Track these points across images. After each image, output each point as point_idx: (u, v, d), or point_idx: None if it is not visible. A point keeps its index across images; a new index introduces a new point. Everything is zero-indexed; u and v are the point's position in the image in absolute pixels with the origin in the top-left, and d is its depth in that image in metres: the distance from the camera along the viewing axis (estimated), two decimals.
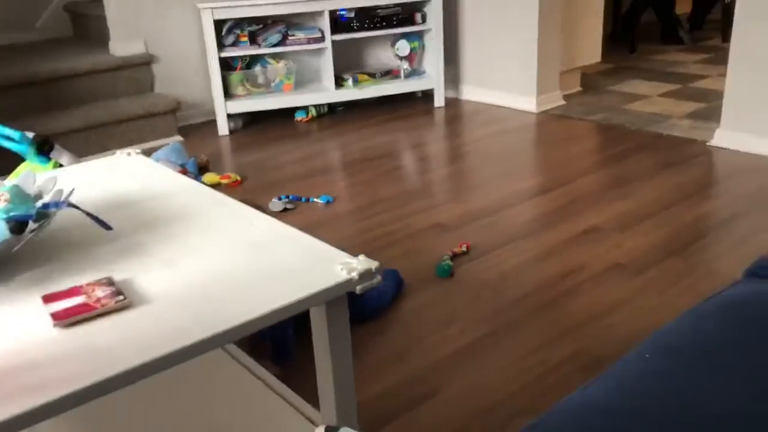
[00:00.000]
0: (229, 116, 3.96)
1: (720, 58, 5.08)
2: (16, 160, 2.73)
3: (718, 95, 3.95)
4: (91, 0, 4.56)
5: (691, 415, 0.91)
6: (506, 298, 2.11)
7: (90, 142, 3.63)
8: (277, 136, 3.90)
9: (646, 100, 4.15)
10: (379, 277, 1.15)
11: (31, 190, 1.27)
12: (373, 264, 1.14)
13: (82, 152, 3.56)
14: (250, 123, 4.15)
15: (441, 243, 2.48)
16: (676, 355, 1.04)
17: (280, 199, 2.92)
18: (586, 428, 0.92)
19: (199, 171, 3.26)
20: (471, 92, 4.39)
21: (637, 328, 1.91)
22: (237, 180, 3.19)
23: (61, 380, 0.89)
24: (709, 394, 0.95)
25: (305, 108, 4.19)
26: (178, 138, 3.91)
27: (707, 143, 3.32)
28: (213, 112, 4.08)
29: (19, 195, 1.18)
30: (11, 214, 1.10)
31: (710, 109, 3.86)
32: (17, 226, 1.12)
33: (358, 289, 1.12)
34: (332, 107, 4.34)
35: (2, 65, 3.83)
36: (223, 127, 3.96)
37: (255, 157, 3.55)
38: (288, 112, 4.25)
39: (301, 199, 2.94)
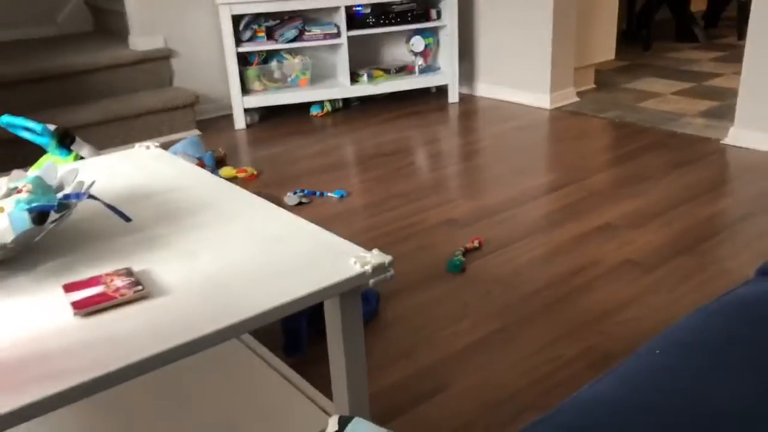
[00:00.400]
0: (246, 110, 4.00)
1: (735, 56, 5.06)
2: (38, 152, 2.78)
3: (733, 93, 3.94)
4: None
5: (700, 412, 0.93)
6: (517, 294, 2.12)
7: (109, 136, 3.68)
8: (292, 130, 3.93)
9: (659, 97, 4.14)
10: (392, 271, 1.17)
11: (53, 182, 1.30)
12: (386, 258, 1.16)
13: (101, 145, 3.61)
14: (266, 117, 4.19)
15: (453, 238, 2.50)
16: (686, 351, 1.06)
17: (295, 193, 2.95)
18: (594, 424, 0.94)
19: (216, 164, 3.29)
20: (485, 89, 4.40)
21: (648, 326, 1.92)
22: (253, 174, 3.22)
23: (79, 368, 0.92)
24: (719, 391, 0.96)
25: (320, 103, 4.22)
26: (196, 132, 3.95)
27: (721, 141, 3.32)
28: (230, 107, 4.12)
29: (41, 186, 1.21)
30: (33, 204, 1.13)
31: (724, 107, 3.85)
32: (39, 216, 1.15)
33: (371, 282, 1.14)
34: (347, 102, 4.36)
35: (24, 59, 3.88)
36: (239, 122, 3.99)
37: (271, 151, 3.58)
38: (303, 107, 4.28)
39: (315, 194, 2.96)
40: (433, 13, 4.15)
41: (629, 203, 2.71)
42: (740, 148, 3.23)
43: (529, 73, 4.10)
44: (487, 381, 1.73)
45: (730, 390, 0.96)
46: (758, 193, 2.73)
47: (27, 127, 2.34)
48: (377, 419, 1.60)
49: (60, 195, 1.22)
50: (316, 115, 4.19)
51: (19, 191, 1.17)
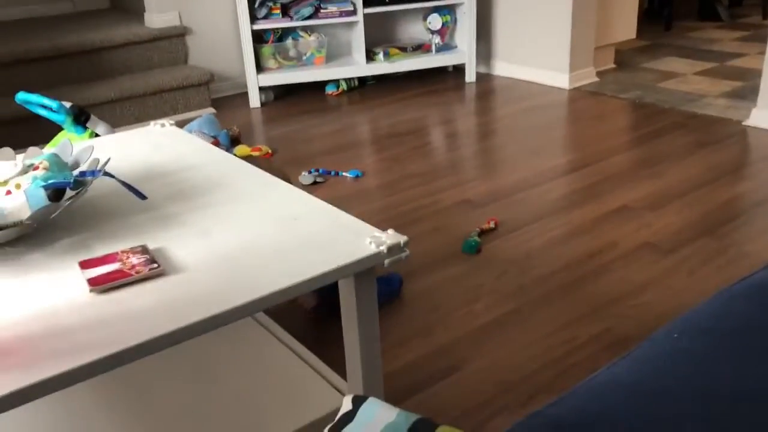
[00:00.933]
0: (261, 89, 3.98)
1: (759, 35, 4.96)
2: (54, 129, 2.79)
3: (756, 74, 3.87)
4: None
5: (718, 397, 0.91)
6: (533, 275, 2.11)
7: (125, 113, 3.68)
8: (307, 109, 3.91)
9: (681, 78, 4.08)
10: (407, 251, 1.16)
11: (69, 159, 1.30)
12: (402, 238, 1.15)
13: (116, 123, 3.62)
14: (281, 96, 4.17)
15: (469, 219, 2.48)
16: (705, 336, 1.04)
17: (310, 172, 2.94)
18: (610, 407, 0.93)
19: (230, 143, 3.28)
20: (503, 68, 4.35)
21: (666, 309, 1.91)
22: (268, 152, 3.21)
23: (95, 344, 0.92)
24: (738, 375, 0.95)
25: (336, 81, 4.19)
26: (211, 110, 3.95)
27: (743, 123, 3.26)
28: (245, 85, 4.11)
29: (57, 163, 1.21)
30: (50, 181, 1.13)
31: (747, 88, 3.78)
32: (55, 193, 1.15)
33: (387, 262, 1.13)
34: (363, 81, 4.33)
35: (40, 36, 3.88)
36: (254, 100, 3.98)
37: (286, 130, 3.57)
38: (319, 86, 4.26)
39: (330, 173, 2.95)
40: None
41: (648, 185, 2.68)
42: (763, 129, 3.18)
43: (548, 52, 4.05)
44: (502, 361, 1.73)
45: (749, 375, 0.95)
46: None
47: (43, 104, 2.34)
48: (392, 398, 1.60)
49: (76, 172, 1.22)
50: (331, 94, 4.17)
51: (36, 168, 1.16)
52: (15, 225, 1.09)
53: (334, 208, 1.29)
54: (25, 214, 1.11)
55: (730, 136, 3.13)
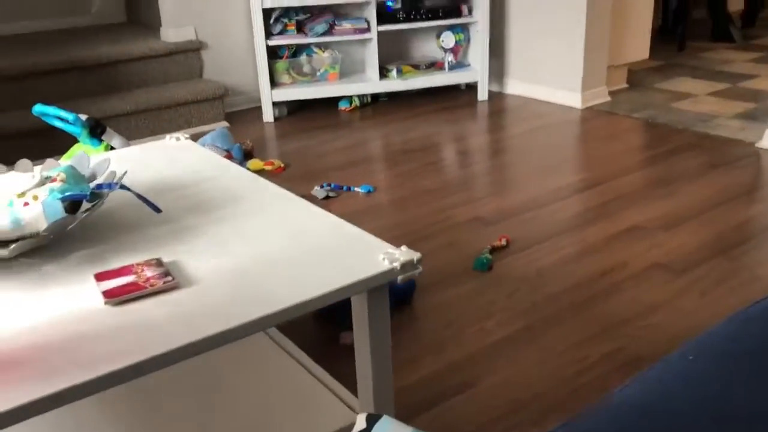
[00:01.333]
0: (275, 104, 4.01)
1: None
2: (69, 141, 2.81)
3: None
4: None
5: (732, 419, 0.91)
6: (545, 293, 2.10)
7: (139, 126, 3.71)
8: (320, 124, 3.93)
9: (693, 98, 4.08)
10: (420, 268, 1.16)
11: (86, 171, 1.31)
12: (415, 255, 1.15)
13: (131, 135, 3.65)
14: (294, 111, 4.20)
15: (480, 236, 2.48)
16: (720, 358, 1.04)
17: (322, 186, 2.95)
18: (623, 428, 0.92)
19: (243, 157, 3.31)
20: (515, 86, 4.36)
21: (678, 329, 1.89)
22: (281, 167, 3.23)
23: (109, 357, 0.92)
24: (753, 398, 0.94)
25: (349, 98, 4.21)
26: (225, 124, 3.97)
27: (756, 145, 3.25)
28: (259, 100, 4.14)
29: (74, 175, 1.22)
30: (67, 193, 1.14)
31: (760, 109, 3.77)
32: (72, 205, 1.16)
33: (400, 279, 1.14)
34: (376, 97, 4.35)
35: (57, 49, 3.93)
36: (268, 115, 4.01)
37: (298, 145, 3.59)
38: (332, 102, 4.28)
39: (342, 188, 2.96)
40: (464, 8, 4.12)
41: (660, 205, 2.68)
42: None
43: (561, 71, 4.06)
44: (514, 379, 1.72)
45: (765, 398, 0.94)
46: None
47: (59, 116, 2.37)
48: (403, 414, 1.60)
49: (93, 185, 1.23)
50: (344, 110, 4.19)
51: (53, 180, 1.18)
52: (32, 236, 1.10)
53: (348, 224, 1.30)
54: (42, 225, 1.12)
55: (743, 158, 3.12)
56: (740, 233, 2.42)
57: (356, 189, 2.95)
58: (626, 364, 1.76)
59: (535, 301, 2.07)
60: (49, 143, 3.34)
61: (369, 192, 2.92)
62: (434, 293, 2.13)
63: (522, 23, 4.20)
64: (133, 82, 3.91)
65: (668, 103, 4.02)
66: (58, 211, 1.11)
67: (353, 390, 1.40)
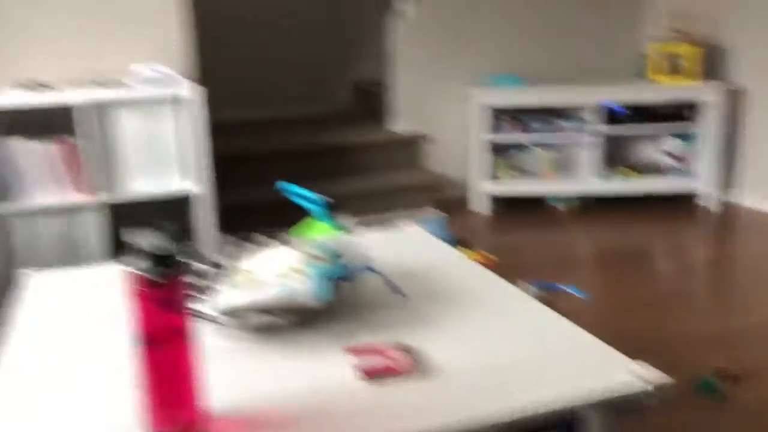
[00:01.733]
0: (489, 197, 4.09)
1: None
2: (294, 216, 3.05)
3: None
4: (378, 82, 5.02)
5: None
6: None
7: (360, 208, 3.95)
8: (534, 221, 3.94)
9: None
10: (669, 393, 1.11)
11: (341, 251, 1.42)
12: (668, 379, 1.10)
13: (355, 215, 3.89)
14: (508, 206, 4.24)
15: (702, 357, 2.31)
16: None
17: (532, 284, 2.93)
18: None
19: (455, 246, 3.38)
20: (748, 198, 4.08)
21: None
22: (492, 260, 3.26)
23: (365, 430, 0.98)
24: None
25: (564, 197, 4.19)
26: (440, 213, 4.11)
27: None
28: (474, 192, 4.24)
29: (334, 255, 1.33)
30: (334, 273, 1.25)
31: None
32: (334, 283, 1.26)
33: (648, 401, 1.09)
34: (591, 199, 4.28)
35: (295, 135, 4.34)
36: (482, 207, 4.09)
37: (510, 240, 3.61)
38: (546, 200, 4.28)
39: (552, 288, 2.92)
40: (693, 115, 3.98)
41: None
42: None
43: None
44: None
45: None
46: None
47: (302, 195, 2.59)
48: None
49: (350, 265, 1.33)
50: (559, 209, 4.17)
51: (318, 258, 1.29)
52: (301, 310, 1.21)
53: (587, 334, 1.28)
54: (311, 300, 1.23)
55: None
56: None
57: (568, 290, 2.89)
58: None
59: None
60: (277, 217, 3.65)
61: (580, 296, 2.85)
62: (657, 413, 2.00)
63: (759, 131, 3.96)
64: (359, 166, 4.19)
65: None
66: (329, 289, 1.21)
67: None
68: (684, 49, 3.98)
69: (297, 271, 1.23)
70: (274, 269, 1.27)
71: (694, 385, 2.13)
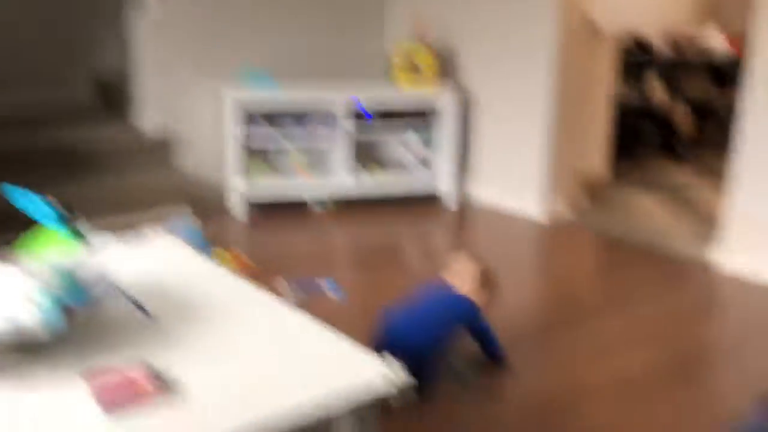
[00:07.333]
0: (244, 199, 4.04)
1: (720, 175, 5.23)
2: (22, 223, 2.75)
3: (720, 216, 4.06)
4: (122, 75, 4.72)
5: None
6: (511, 409, 2.13)
7: (103, 214, 3.68)
8: (291, 223, 3.97)
9: (649, 213, 4.26)
10: (415, 395, 1.17)
11: (79, 272, 1.31)
12: (410, 379, 1.17)
13: (97, 221, 3.61)
14: (265, 209, 4.21)
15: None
16: None
17: (292, 288, 2.95)
18: None
19: (211, 252, 3.29)
20: (481, 195, 4.48)
21: None
22: (249, 264, 3.22)
23: None
24: None
25: (320, 198, 4.26)
26: (193, 216, 3.96)
27: (708, 261, 3.38)
28: (228, 194, 4.15)
29: (70, 280, 1.22)
30: (65, 300, 1.14)
31: (712, 229, 3.95)
32: (68, 310, 1.16)
33: (395, 402, 1.15)
34: (347, 200, 4.40)
35: (29, 133, 3.92)
36: (238, 210, 4.03)
37: (268, 243, 3.61)
38: (303, 201, 4.32)
39: (313, 290, 2.96)
40: (432, 116, 4.29)
41: (618, 322, 2.74)
42: (727, 269, 3.29)
43: (524, 183, 4.21)
44: None
45: None
46: (745, 318, 2.79)
47: (29, 200, 2.33)
48: None
49: (88, 290, 1.23)
50: (315, 210, 4.23)
51: (49, 284, 1.18)
52: (30, 342, 1.10)
53: (338, 336, 1.32)
54: (40, 332, 1.12)
55: (697, 274, 3.25)
56: (697, 354, 2.50)
57: (328, 292, 2.95)
58: None
59: (503, 418, 2.08)
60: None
61: (339, 296, 2.93)
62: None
63: (488, 135, 4.38)
64: (101, 167, 3.91)
65: (625, 218, 4.18)
66: (62, 318, 1.11)
67: None
68: (422, 53, 4.27)
69: (25, 299, 1.11)
70: None
71: (451, 376, 2.29)
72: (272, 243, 3.58)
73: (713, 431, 2.01)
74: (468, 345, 2.41)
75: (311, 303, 2.85)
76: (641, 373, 2.34)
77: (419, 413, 2.04)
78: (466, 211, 4.31)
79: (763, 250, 3.18)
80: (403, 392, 1.15)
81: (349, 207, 4.29)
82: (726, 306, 2.92)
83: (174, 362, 1.19)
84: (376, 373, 1.17)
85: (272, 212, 4.13)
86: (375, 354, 1.23)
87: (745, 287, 3.11)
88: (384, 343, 2.13)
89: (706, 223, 4.09)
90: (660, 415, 2.09)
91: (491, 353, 2.34)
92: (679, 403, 2.16)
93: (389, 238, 3.73)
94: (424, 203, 4.42)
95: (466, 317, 2.29)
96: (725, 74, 6.14)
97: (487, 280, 2.39)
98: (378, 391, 1.14)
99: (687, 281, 3.18)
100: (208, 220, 3.93)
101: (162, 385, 1.09)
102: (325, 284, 3.02)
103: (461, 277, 2.37)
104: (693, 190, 4.95)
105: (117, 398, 1.05)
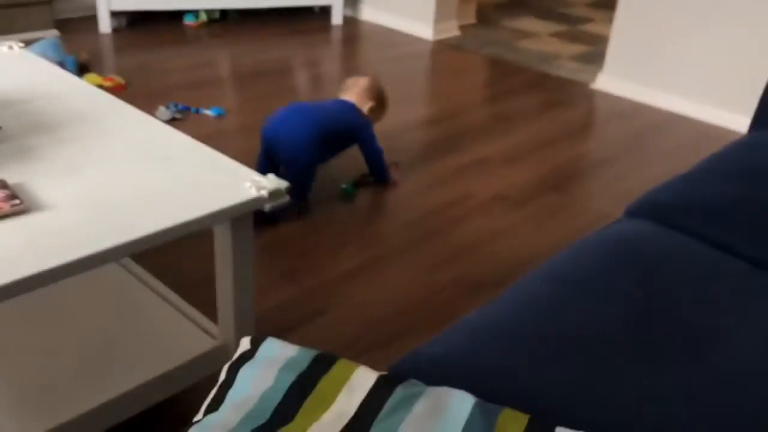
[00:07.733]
0: (113, 13, 3.71)
1: (610, 2, 5.28)
2: None
3: (605, 39, 4.13)
4: None
5: (575, 336, 1.01)
6: (396, 223, 2.17)
7: None
8: (164, 39, 3.71)
9: (536, 38, 4.27)
10: (288, 197, 1.15)
11: None
12: (283, 183, 1.14)
13: None
14: (134, 22, 3.91)
15: (332, 166, 2.49)
16: (563, 283, 1.13)
17: (167, 107, 2.81)
18: (477, 343, 1.00)
19: (79, 70, 3.05)
20: (369, 13, 4.33)
21: (517, 256, 2.04)
22: (121, 84, 3.02)
23: None
24: (590, 318, 1.05)
25: (196, 11, 3.99)
26: (55, 32, 3.63)
27: (590, 86, 3.49)
28: (94, 7, 3.80)
29: None
30: None
31: (596, 52, 4.03)
32: None
33: (267, 207, 1.12)
34: (224, 13, 4.15)
35: None
36: (105, 25, 3.70)
37: (140, 61, 3.37)
38: (177, 15, 4.03)
39: (190, 109, 2.84)
40: None
41: (502, 140, 2.82)
42: (607, 93, 3.41)
43: (414, 3, 4.08)
44: (368, 304, 1.78)
45: (599, 318, 1.05)
46: (621, 137, 2.92)
47: None
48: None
49: None
50: (190, 25, 3.97)
51: None
52: None
53: (210, 149, 1.26)
54: None
55: (579, 98, 3.34)
56: (574, 168, 2.62)
57: (205, 111, 2.83)
58: (471, 288, 1.88)
59: (388, 230, 2.13)
60: None
61: (219, 115, 2.82)
62: (291, 221, 2.13)
63: None
64: None
65: (513, 41, 4.18)
66: None
67: (212, 316, 1.39)
68: None
69: None
70: None
71: (337, 193, 2.29)
72: (146, 62, 3.35)
73: (578, 229, 2.16)
74: (356, 166, 2.41)
75: (187, 122, 2.73)
76: (520, 186, 2.43)
77: (297, 218, 2.07)
78: (353, 27, 4.16)
79: (642, 73, 3.29)
80: (276, 197, 1.12)
81: (230, 22, 4.05)
82: (604, 125, 3.04)
83: (34, 177, 1.10)
84: (249, 182, 1.13)
85: (146, 29, 3.83)
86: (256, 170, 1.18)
87: (623, 107, 3.24)
88: (265, 134, 2.19)
89: (595, 52, 4.16)
90: (534, 218, 2.21)
91: (378, 175, 2.35)
92: (550, 208, 2.28)
93: (272, 55, 3.56)
94: (309, 18, 4.23)
95: (356, 125, 2.27)
96: None
97: (377, 96, 2.38)
98: (251, 200, 1.11)
99: (569, 103, 3.27)
100: (73, 37, 3.61)
101: (19, 201, 1.01)
102: (202, 109, 2.89)
103: (353, 92, 2.35)
104: (584, 17, 4.98)
105: None
